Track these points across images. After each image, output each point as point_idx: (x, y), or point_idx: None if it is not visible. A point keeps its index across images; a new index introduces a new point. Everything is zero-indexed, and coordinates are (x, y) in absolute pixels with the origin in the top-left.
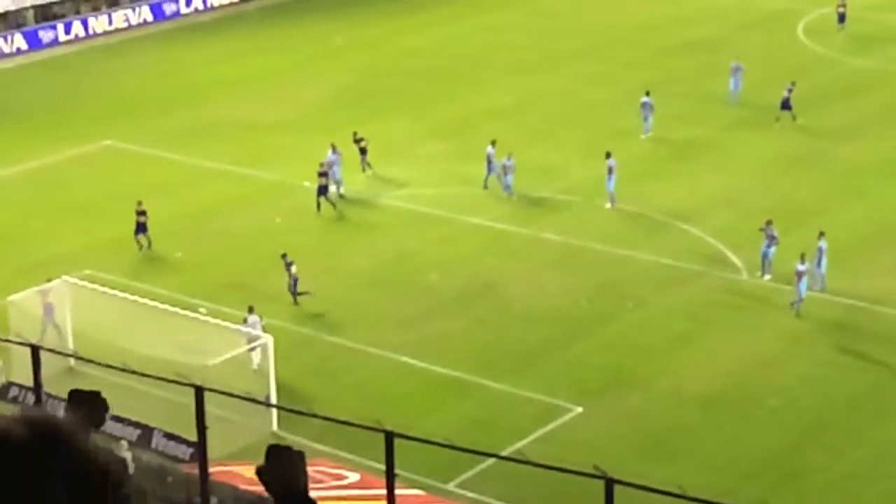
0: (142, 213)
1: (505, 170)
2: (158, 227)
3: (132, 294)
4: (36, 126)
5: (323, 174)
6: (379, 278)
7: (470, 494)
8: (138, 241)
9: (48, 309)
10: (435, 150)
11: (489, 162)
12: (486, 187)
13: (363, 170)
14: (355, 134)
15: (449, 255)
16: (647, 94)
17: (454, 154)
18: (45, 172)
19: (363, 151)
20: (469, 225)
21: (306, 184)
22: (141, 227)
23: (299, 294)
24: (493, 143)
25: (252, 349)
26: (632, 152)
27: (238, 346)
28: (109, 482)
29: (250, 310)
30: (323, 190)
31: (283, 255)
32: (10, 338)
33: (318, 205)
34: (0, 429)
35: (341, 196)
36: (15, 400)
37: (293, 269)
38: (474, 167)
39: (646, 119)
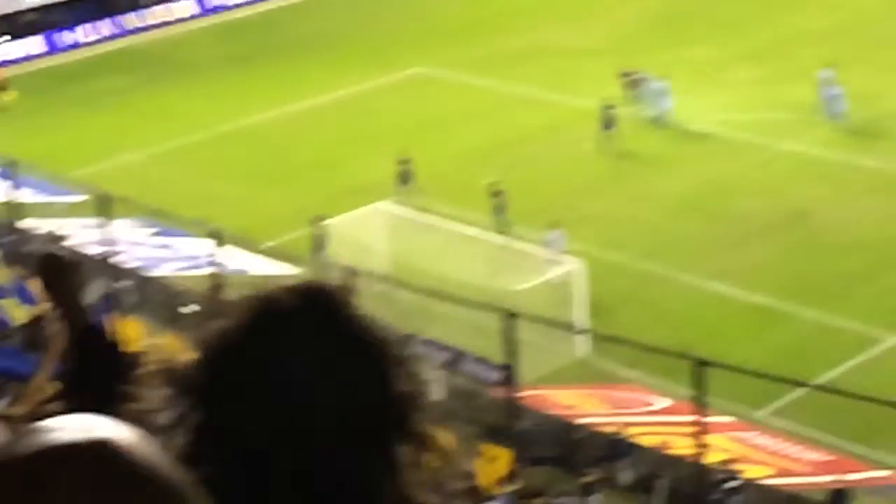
0: (406, 161)
1: (833, 97)
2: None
3: (443, 219)
4: (346, 55)
5: (609, 107)
6: (690, 205)
7: (781, 423)
8: (400, 192)
9: (318, 242)
10: (748, 75)
11: (823, 86)
12: (823, 112)
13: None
14: (621, 70)
15: (762, 182)
16: None
17: (768, 78)
18: (356, 100)
19: (634, 84)
20: (783, 151)
21: (612, 111)
22: (405, 178)
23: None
24: (829, 66)
25: (552, 265)
26: None
27: (546, 272)
28: (390, 355)
29: (553, 225)
30: (609, 124)
31: (491, 184)
32: (327, 261)
33: (606, 139)
34: (270, 296)
35: (659, 123)
36: None
37: (502, 197)
38: (790, 91)
39: None
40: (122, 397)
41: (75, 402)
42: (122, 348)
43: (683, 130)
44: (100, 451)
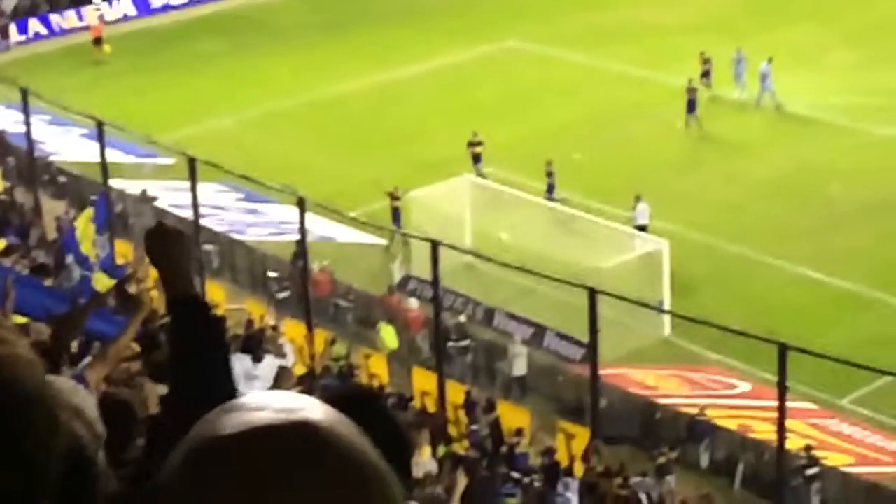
0: (477, 143)
1: None
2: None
3: (528, 194)
4: (439, 26)
5: (691, 90)
6: (780, 188)
7: (864, 411)
8: (478, 171)
9: (395, 215)
10: (845, 58)
11: None
12: None
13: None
14: (702, 55)
15: (854, 167)
16: None
17: (865, 62)
18: (448, 71)
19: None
20: (877, 136)
21: (695, 92)
22: (476, 158)
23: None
24: None
25: (637, 243)
26: None
27: (632, 251)
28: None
29: (637, 199)
30: (691, 106)
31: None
32: (411, 232)
33: (687, 122)
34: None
35: (778, 107)
36: (413, 293)
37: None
38: (887, 76)
39: None
40: (216, 369)
41: (166, 368)
42: (221, 323)
43: (777, 112)
44: (302, 432)
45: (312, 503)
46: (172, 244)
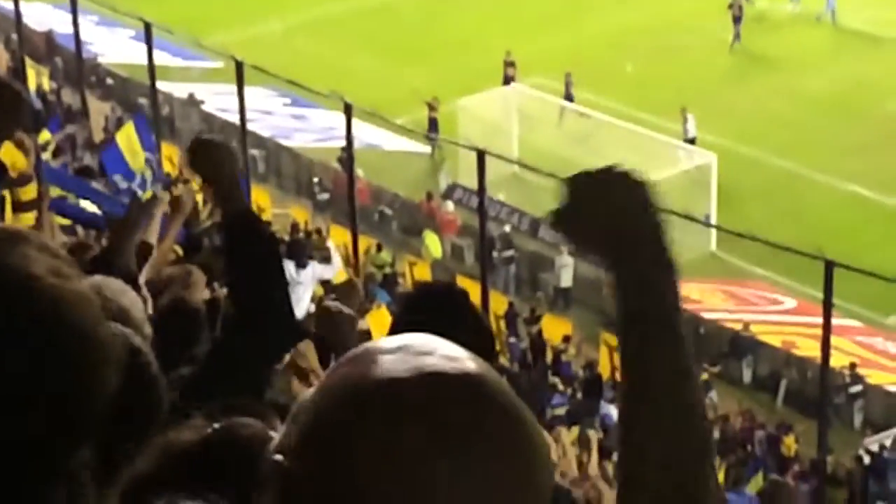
0: (510, 63)
1: None
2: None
3: (576, 105)
4: None
5: (732, 5)
6: (833, 104)
7: None
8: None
9: (433, 125)
10: None
11: None
12: None
13: None
14: None
15: None
16: None
17: None
18: None
19: None
20: None
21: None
22: (507, 81)
23: None
24: None
25: (685, 155)
26: None
27: (679, 164)
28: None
29: (684, 111)
30: (737, 20)
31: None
32: (457, 140)
33: (737, 35)
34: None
35: (835, 24)
36: (459, 202)
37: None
38: None
39: None
40: (270, 283)
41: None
42: (274, 237)
43: (833, 27)
44: (471, 381)
45: (481, 451)
46: (216, 156)
